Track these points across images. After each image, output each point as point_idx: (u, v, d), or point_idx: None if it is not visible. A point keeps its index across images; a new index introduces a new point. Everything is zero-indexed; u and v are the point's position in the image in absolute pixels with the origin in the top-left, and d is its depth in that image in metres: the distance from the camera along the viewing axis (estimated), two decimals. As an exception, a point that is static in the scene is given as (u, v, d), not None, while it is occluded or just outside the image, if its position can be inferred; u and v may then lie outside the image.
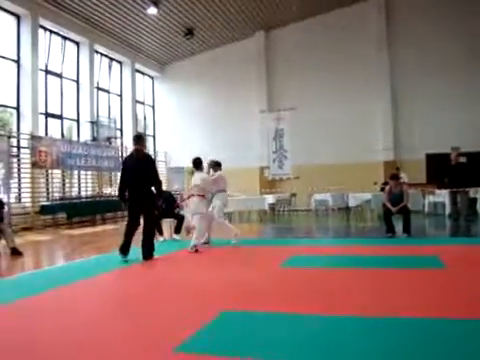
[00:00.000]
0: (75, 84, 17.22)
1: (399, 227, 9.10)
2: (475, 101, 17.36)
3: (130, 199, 7.30)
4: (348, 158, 17.55)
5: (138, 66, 20.68)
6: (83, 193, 16.97)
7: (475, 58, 17.54)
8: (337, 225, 13.02)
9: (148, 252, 7.23)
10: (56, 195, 15.82)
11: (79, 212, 15.54)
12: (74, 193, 16.72)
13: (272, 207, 16.26)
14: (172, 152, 21.76)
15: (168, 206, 10.03)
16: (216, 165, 9.81)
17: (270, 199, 15.49)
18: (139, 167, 7.23)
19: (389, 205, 9.12)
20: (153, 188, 7.42)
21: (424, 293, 4.54)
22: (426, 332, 3.37)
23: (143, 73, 21.61)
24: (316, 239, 10.26)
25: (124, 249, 7.07)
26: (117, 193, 7.53)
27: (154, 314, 4.14)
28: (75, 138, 16.98)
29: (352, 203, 14.36)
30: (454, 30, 17.74)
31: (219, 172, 9.65)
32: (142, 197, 7.22)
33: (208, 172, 9.41)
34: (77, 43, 17.26)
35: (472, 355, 2.92)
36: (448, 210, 12.79)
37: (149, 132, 22.16)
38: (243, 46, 20.63)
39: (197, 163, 8.86)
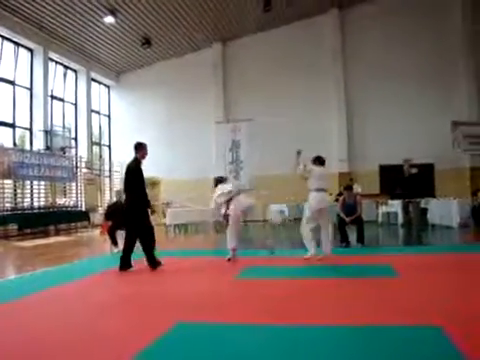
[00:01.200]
0: (28, 92, 16.82)
1: (353, 237, 9.28)
2: (426, 114, 18.02)
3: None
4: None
5: (94, 75, 20.42)
6: (36, 204, 16.53)
7: (426, 73, 18.27)
8: (293, 236, 13.12)
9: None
10: (7, 205, 15.34)
11: (31, 223, 15.13)
12: (26, 204, 16.26)
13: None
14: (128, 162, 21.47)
15: (123, 217, 9.86)
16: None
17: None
18: (125, 176, 7.30)
19: (343, 215, 9.32)
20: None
21: (377, 301, 4.64)
22: (379, 339, 3.45)
23: (99, 82, 21.34)
24: (271, 250, 10.30)
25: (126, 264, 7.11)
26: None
27: (109, 325, 4.09)
28: (28, 147, 16.55)
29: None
30: (406, 45, 18.47)
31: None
32: (127, 208, 7.26)
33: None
34: (31, 50, 16.89)
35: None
36: (400, 220, 13.13)
37: (104, 142, 21.86)
38: (200, 57, 20.73)
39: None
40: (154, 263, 7.12)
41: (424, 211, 13.53)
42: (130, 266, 7.05)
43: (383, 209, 14.73)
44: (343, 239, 9.22)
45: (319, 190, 7.46)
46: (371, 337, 3.52)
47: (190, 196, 17.34)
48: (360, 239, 9.14)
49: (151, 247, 7.35)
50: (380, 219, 14.71)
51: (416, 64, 18.43)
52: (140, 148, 7.42)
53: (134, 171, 7.21)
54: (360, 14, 19.30)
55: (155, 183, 19.77)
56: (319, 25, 19.64)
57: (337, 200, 11.11)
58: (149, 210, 7.53)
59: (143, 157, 7.44)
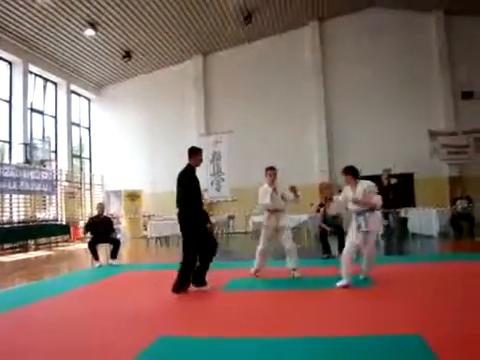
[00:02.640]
0: (7, 105, 16.66)
1: (335, 247, 9.34)
2: (405, 125, 18.25)
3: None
4: (284, 180, 17.84)
5: (74, 87, 20.31)
6: (15, 218, 16.29)
7: (404, 84, 18.57)
8: (274, 247, 13.15)
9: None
10: (-15, 220, 15.11)
11: (10, 238, 14.91)
12: (5, 218, 16.01)
13: (211, 231, 16.20)
14: (109, 175, 21.38)
15: (105, 230, 9.80)
16: None
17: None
18: (178, 185, 6.48)
19: (325, 226, 9.40)
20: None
21: (358, 311, 4.69)
22: (360, 349, 3.48)
23: (79, 94, 21.22)
24: (254, 261, 10.31)
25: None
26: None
27: (90, 340, 4.05)
28: (7, 161, 16.35)
29: (289, 224, 14.56)
30: (386, 59, 18.77)
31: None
32: (180, 221, 6.41)
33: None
34: (10, 63, 16.76)
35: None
36: (381, 230, 13.25)
37: (85, 155, 21.72)
38: (181, 69, 20.77)
39: None
40: (202, 281, 6.34)
41: (404, 220, 13.70)
42: (203, 282, 6.33)
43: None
44: (325, 250, 9.28)
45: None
46: (352, 347, 3.55)
47: (172, 209, 17.28)
48: (341, 249, 9.18)
49: (207, 265, 6.42)
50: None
51: (394, 76, 18.74)
52: (195, 154, 6.60)
53: (190, 179, 6.39)
54: (340, 27, 19.56)
55: (136, 196, 19.68)
56: (299, 38, 19.85)
57: (318, 211, 11.19)
58: (208, 225, 6.71)
59: (197, 164, 6.59)
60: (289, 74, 19.63)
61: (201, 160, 6.66)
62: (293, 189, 7.21)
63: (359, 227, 6.05)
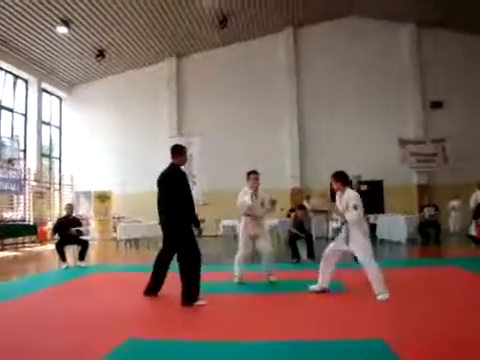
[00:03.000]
0: (-25, 101, 16.30)
1: (304, 252, 9.41)
2: (376, 133, 18.61)
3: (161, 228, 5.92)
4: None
5: (45, 85, 19.97)
6: (-20, 217, 15.92)
7: (375, 92, 18.92)
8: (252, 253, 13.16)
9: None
10: None
11: (-24, 237, 14.56)
12: (-29, 217, 15.65)
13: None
14: (79, 176, 21.07)
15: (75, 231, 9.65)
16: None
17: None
18: (163, 187, 5.81)
19: (295, 230, 9.47)
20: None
21: (325, 316, 4.74)
22: (325, 354, 3.52)
23: (50, 93, 20.88)
24: (223, 265, 10.31)
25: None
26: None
27: (59, 341, 3.99)
28: (-27, 158, 15.98)
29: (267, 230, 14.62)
30: (359, 67, 19.11)
31: None
32: (167, 226, 5.75)
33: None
34: (-21, 59, 16.41)
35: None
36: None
37: (55, 154, 21.36)
38: (155, 71, 20.66)
39: None
40: (191, 297, 5.44)
41: (373, 227, 13.88)
42: (193, 299, 5.45)
43: (333, 225, 15.00)
44: (294, 255, 9.34)
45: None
46: (315, 352, 3.59)
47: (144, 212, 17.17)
48: (310, 254, 9.28)
49: (193, 276, 5.55)
50: (330, 234, 14.96)
51: (367, 84, 19.08)
52: (179, 152, 5.99)
53: (175, 178, 5.71)
54: (313, 34, 19.79)
55: (106, 197, 19.45)
56: (274, 43, 20.01)
57: (289, 216, 11.26)
58: (196, 229, 5.92)
59: (183, 163, 6.02)
60: (263, 78, 19.74)
61: (186, 159, 6.10)
62: (273, 202, 7.13)
63: (345, 238, 5.90)
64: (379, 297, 5.48)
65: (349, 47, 19.39)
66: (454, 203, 16.19)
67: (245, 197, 6.93)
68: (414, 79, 19.07)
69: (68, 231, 9.48)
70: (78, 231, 9.77)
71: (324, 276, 5.96)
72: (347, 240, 5.82)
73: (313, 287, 5.95)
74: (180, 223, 5.60)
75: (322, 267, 6.02)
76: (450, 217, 16.32)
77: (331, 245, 6.12)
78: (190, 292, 5.43)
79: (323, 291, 5.88)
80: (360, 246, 5.74)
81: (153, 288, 6.02)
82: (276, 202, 7.17)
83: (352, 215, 5.76)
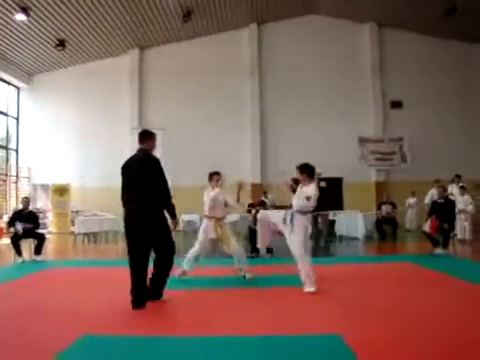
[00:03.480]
0: None
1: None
2: (336, 130, 18.87)
3: (126, 223, 5.20)
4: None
5: (2, 75, 19.36)
6: None
7: (336, 90, 19.22)
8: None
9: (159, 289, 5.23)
10: None
11: None
12: None
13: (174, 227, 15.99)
14: (37, 168, 20.55)
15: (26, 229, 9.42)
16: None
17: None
18: (134, 174, 5.20)
19: (254, 226, 9.51)
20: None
21: (284, 311, 4.78)
22: (281, 349, 3.56)
23: (8, 82, 20.27)
24: (182, 260, 10.29)
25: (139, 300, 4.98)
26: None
27: (12, 338, 3.91)
28: None
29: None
30: (317, 64, 19.39)
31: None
32: (142, 219, 5.06)
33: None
34: None
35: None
36: (309, 231, 13.57)
37: (12, 146, 20.78)
38: (117, 62, 20.34)
39: None
40: (160, 293, 5.20)
41: (332, 223, 14.12)
42: (160, 295, 5.19)
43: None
44: (253, 249, 9.39)
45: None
46: (271, 347, 3.63)
47: (104, 205, 16.94)
48: (269, 249, 9.35)
49: (167, 271, 5.27)
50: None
51: (328, 82, 19.34)
52: (148, 137, 5.53)
53: (149, 164, 5.19)
54: (279, 31, 19.90)
55: (64, 190, 19.05)
56: (238, 38, 20.01)
57: (249, 211, 11.30)
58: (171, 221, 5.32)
59: (152, 149, 5.54)
60: (226, 74, 19.73)
61: (155, 145, 5.61)
62: (240, 185, 7.10)
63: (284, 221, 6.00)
64: (306, 289, 5.69)
65: (311, 45, 19.60)
66: (411, 200, 16.62)
67: (227, 198, 6.90)
68: (374, 78, 19.46)
69: (20, 226, 9.27)
70: (28, 228, 9.49)
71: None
72: (285, 221, 5.95)
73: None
74: (156, 212, 5.10)
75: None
76: (407, 214, 16.73)
77: (274, 219, 6.30)
78: (162, 288, 5.20)
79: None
80: (297, 240, 5.83)
81: (142, 296, 4.98)
82: (243, 184, 7.21)
83: (301, 202, 5.86)
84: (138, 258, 5.03)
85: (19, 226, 9.33)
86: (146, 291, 5.02)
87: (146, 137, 5.50)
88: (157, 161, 5.24)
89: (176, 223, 5.37)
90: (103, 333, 4.09)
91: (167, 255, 5.21)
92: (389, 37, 19.66)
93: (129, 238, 5.11)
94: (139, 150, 5.44)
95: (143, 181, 5.08)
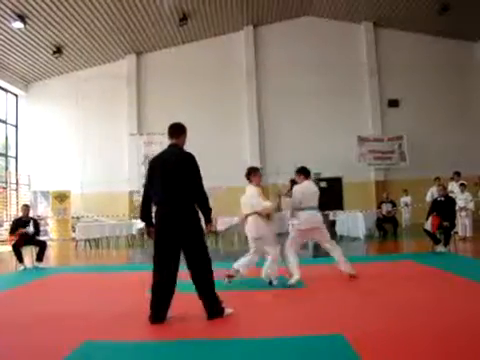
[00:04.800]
0: None
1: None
2: (335, 130, 18.91)
3: (159, 224, 4.61)
4: (218, 182, 17.92)
5: (0, 82, 19.39)
6: None
7: (334, 90, 19.26)
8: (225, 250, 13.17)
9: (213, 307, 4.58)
10: None
11: None
12: None
13: (141, 232, 16.02)
14: (37, 175, 20.56)
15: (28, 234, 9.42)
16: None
17: (139, 224, 15.29)
18: (171, 172, 4.58)
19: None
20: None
21: (285, 312, 4.78)
22: (284, 350, 3.56)
23: (6, 90, 20.30)
24: (184, 264, 10.29)
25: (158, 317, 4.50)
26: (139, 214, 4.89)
27: (13, 345, 3.90)
28: None
29: (221, 227, 14.67)
30: (319, 65, 19.41)
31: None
32: (180, 220, 4.51)
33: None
34: None
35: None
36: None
37: (11, 153, 20.80)
38: (114, 68, 20.39)
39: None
40: (218, 306, 4.60)
41: (332, 223, 14.13)
42: (221, 311, 4.59)
43: (293, 222, 15.13)
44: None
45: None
46: (274, 348, 3.62)
47: (103, 210, 16.97)
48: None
49: (210, 281, 4.66)
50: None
51: (326, 82, 19.38)
52: (182, 130, 5.17)
53: (189, 162, 4.69)
54: (274, 33, 19.97)
55: (65, 196, 19.07)
56: (235, 41, 20.06)
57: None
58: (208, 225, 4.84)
59: (183, 145, 5.10)
60: (223, 77, 19.77)
61: (185, 142, 5.16)
62: (279, 194, 7.19)
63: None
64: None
65: (308, 46, 19.65)
66: (406, 199, 16.63)
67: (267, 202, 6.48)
68: (371, 78, 19.50)
69: (19, 231, 9.27)
70: (31, 232, 9.50)
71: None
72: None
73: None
74: (194, 216, 4.58)
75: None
76: (403, 213, 16.72)
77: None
78: (219, 301, 4.61)
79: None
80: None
81: (162, 309, 4.54)
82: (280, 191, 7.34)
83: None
84: (167, 264, 4.52)
85: (29, 228, 9.37)
86: (168, 304, 4.52)
87: (178, 131, 5.09)
88: (194, 159, 4.73)
89: (211, 226, 4.89)
90: (105, 339, 4.08)
91: (203, 264, 4.62)
92: (385, 36, 19.73)
93: (160, 241, 4.56)
94: (171, 145, 4.93)
95: (181, 181, 4.54)
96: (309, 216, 6.60)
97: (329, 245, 6.83)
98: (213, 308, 4.52)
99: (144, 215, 4.77)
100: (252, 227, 6.32)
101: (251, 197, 6.32)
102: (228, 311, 4.59)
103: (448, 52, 19.45)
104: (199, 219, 4.61)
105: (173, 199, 4.52)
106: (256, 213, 6.23)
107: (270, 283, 6.25)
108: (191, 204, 4.57)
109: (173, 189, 4.52)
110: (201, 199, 4.63)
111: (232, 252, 11.81)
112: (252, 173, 6.47)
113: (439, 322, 4.18)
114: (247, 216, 6.35)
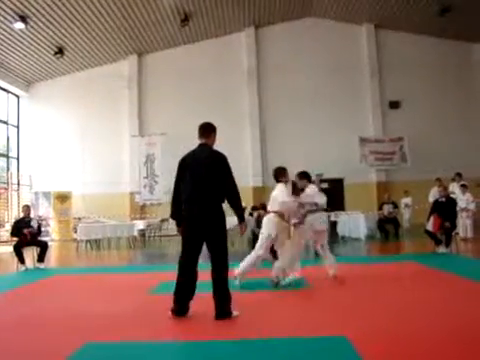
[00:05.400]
0: None
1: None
2: (336, 132, 18.90)
3: (187, 222, 4.71)
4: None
5: (1, 83, 19.41)
6: None
7: (335, 92, 19.25)
8: (206, 249, 13.14)
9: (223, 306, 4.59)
10: None
11: None
12: None
13: (142, 233, 16.04)
14: (38, 176, 20.58)
15: (33, 232, 9.43)
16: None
17: (140, 225, 15.30)
18: (202, 171, 4.69)
19: (258, 230, 9.52)
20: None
21: (290, 313, 4.78)
22: (287, 351, 3.55)
23: (7, 91, 20.32)
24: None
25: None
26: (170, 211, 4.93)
27: (14, 347, 3.89)
28: None
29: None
30: (320, 67, 19.44)
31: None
32: (207, 218, 4.61)
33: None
34: None
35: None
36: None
37: (13, 154, 20.81)
38: (116, 69, 20.39)
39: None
40: (227, 307, 4.60)
41: (334, 224, 14.12)
42: (228, 313, 4.59)
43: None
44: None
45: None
46: (278, 350, 3.62)
47: (104, 211, 16.98)
48: (273, 253, 9.32)
49: (225, 282, 4.67)
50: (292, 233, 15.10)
51: (327, 83, 19.39)
52: (212, 130, 5.28)
53: (222, 161, 4.78)
54: (276, 34, 19.97)
55: (66, 197, 19.09)
56: (236, 42, 20.06)
57: (251, 214, 11.29)
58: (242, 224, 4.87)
59: (213, 145, 5.19)
60: (225, 77, 19.77)
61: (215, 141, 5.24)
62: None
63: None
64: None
65: (309, 47, 19.66)
66: (406, 200, 16.63)
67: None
68: (373, 79, 19.50)
69: (27, 230, 9.28)
70: (33, 233, 9.51)
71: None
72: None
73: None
74: (221, 217, 4.66)
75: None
76: (403, 214, 16.69)
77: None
78: (229, 301, 4.61)
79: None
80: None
81: (186, 303, 4.71)
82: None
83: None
84: (192, 261, 4.68)
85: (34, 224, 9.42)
86: (191, 298, 4.68)
87: (208, 130, 5.17)
88: (226, 159, 4.82)
89: (245, 227, 4.89)
90: (107, 340, 4.08)
91: (221, 262, 4.66)
92: (386, 38, 19.74)
93: (187, 238, 4.69)
94: (201, 145, 5.02)
95: (212, 180, 4.62)
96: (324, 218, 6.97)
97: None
98: (223, 308, 4.55)
99: (174, 213, 4.84)
100: (271, 225, 6.26)
101: (281, 192, 6.30)
102: (235, 313, 4.59)
103: (449, 53, 19.46)
104: (224, 219, 4.68)
105: (202, 198, 4.59)
106: (276, 212, 6.23)
107: (276, 284, 6.21)
108: (219, 204, 4.64)
109: (203, 188, 4.60)
110: (234, 199, 4.68)
111: (231, 251, 11.80)
112: (280, 174, 6.55)
113: (442, 323, 4.17)
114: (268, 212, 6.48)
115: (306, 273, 6.61)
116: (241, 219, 4.80)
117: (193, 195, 4.62)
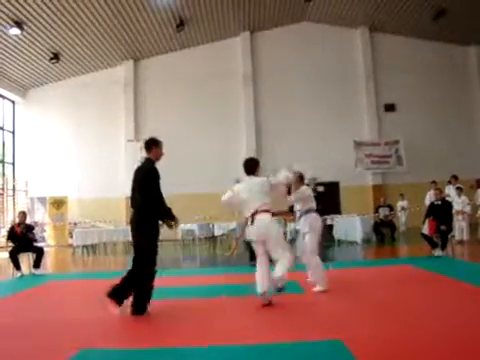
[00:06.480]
0: None
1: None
2: (331, 135, 18.91)
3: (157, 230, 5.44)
4: (214, 188, 17.81)
5: (-3, 89, 19.39)
6: None
7: (331, 95, 19.28)
8: (203, 254, 13.15)
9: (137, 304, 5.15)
10: None
11: None
12: None
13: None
14: (34, 181, 20.53)
15: (28, 239, 9.40)
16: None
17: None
18: (134, 183, 5.38)
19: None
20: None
21: (283, 318, 4.77)
22: (282, 357, 3.55)
23: (3, 96, 20.29)
24: (182, 269, 10.28)
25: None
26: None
27: (8, 354, 3.88)
28: None
29: (218, 232, 14.71)
30: (315, 71, 19.48)
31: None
32: (133, 226, 5.30)
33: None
34: None
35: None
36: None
37: (8, 159, 20.76)
38: (111, 74, 20.39)
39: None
40: (142, 306, 5.13)
41: (330, 227, 14.12)
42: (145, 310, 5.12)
43: (291, 226, 15.16)
44: (252, 257, 9.36)
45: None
46: (273, 354, 3.61)
47: (101, 216, 16.94)
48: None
49: (133, 282, 5.29)
50: (289, 236, 15.10)
51: (322, 87, 19.42)
52: (154, 146, 5.64)
53: (142, 173, 5.35)
54: (271, 39, 20.01)
55: (62, 202, 19.04)
56: (232, 47, 20.09)
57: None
58: (164, 223, 5.38)
59: (158, 158, 5.66)
60: (220, 82, 19.77)
61: (161, 153, 5.70)
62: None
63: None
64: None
65: (305, 51, 19.72)
66: (402, 203, 16.66)
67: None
68: (368, 82, 19.55)
69: (27, 235, 9.27)
70: (32, 237, 9.51)
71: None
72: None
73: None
74: (141, 222, 5.16)
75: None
76: (399, 217, 16.72)
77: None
78: (142, 302, 5.10)
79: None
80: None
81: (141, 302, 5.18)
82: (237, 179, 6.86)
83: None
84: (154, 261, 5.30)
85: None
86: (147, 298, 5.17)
87: (149, 145, 5.64)
88: (150, 171, 5.36)
89: (176, 222, 5.44)
90: (102, 346, 4.07)
91: (142, 268, 5.22)
92: (381, 41, 19.81)
93: (156, 246, 5.38)
94: (144, 159, 5.61)
95: (136, 191, 5.26)
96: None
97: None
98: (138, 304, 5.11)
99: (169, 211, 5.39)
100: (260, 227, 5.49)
101: (260, 185, 5.95)
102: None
103: (443, 56, 19.55)
104: (142, 224, 5.19)
105: (132, 205, 5.35)
106: (264, 211, 5.55)
107: (280, 290, 5.47)
108: (137, 210, 5.29)
109: (132, 198, 5.37)
110: (150, 206, 5.24)
111: (225, 257, 11.80)
112: (257, 166, 6.30)
113: (437, 326, 4.18)
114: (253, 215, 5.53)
115: (299, 276, 6.61)
116: (171, 218, 5.39)
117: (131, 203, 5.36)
